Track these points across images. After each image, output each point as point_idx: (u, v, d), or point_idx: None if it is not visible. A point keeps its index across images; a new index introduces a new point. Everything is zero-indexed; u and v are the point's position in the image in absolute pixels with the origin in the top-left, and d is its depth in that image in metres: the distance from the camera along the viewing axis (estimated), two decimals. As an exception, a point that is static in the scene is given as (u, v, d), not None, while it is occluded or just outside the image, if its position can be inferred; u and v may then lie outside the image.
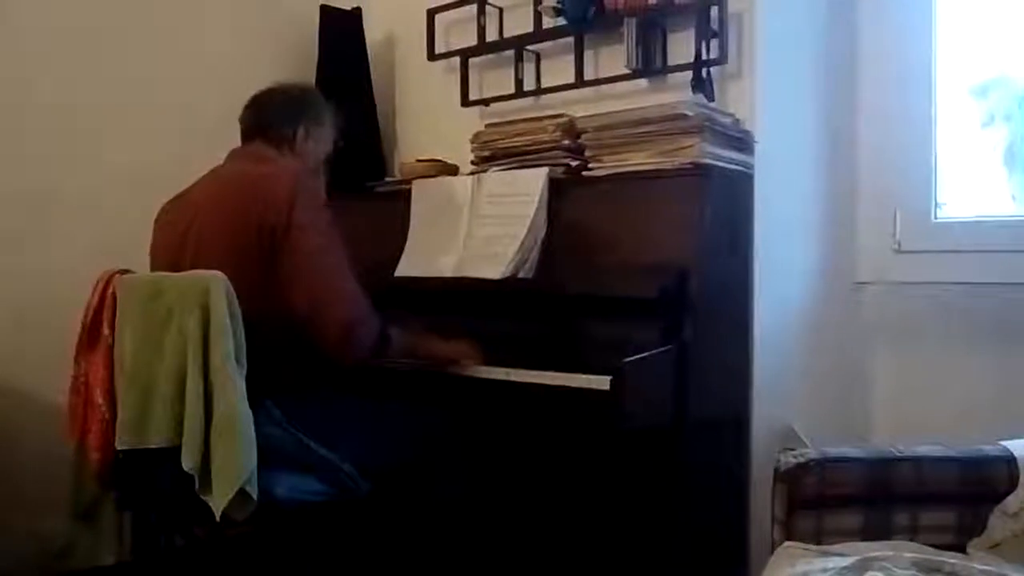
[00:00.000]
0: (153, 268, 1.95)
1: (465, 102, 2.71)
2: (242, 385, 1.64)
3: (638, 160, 2.09)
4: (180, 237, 1.87)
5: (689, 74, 2.20)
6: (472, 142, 2.44)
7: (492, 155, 2.39)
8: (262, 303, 1.73)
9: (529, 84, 2.60)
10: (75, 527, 1.90)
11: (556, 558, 2.12)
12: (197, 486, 1.62)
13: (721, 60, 2.19)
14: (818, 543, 1.56)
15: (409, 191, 2.46)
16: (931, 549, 1.51)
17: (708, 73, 2.19)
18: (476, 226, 2.27)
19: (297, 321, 1.78)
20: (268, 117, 2.01)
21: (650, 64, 2.32)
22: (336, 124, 2.11)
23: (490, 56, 2.69)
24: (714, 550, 2.08)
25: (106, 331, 1.79)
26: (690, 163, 2.01)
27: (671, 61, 2.31)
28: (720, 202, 2.04)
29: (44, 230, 2.36)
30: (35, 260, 2.33)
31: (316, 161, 2.07)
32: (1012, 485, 1.58)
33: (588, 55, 2.47)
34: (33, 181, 2.36)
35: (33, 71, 2.37)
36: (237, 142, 2.02)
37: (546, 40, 2.54)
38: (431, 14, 2.75)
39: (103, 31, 2.49)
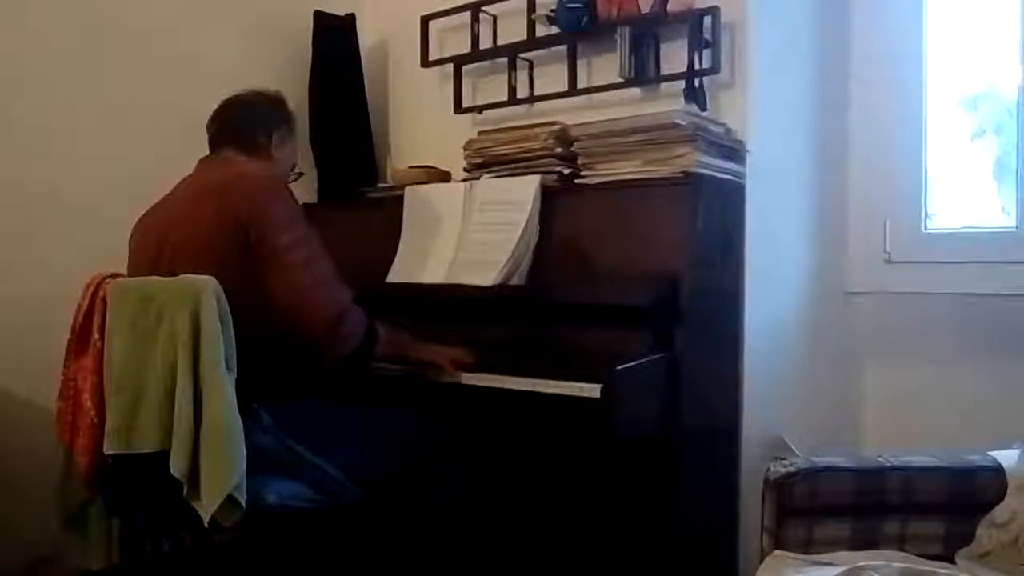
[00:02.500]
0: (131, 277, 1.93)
1: (458, 109, 2.72)
2: (232, 391, 1.63)
3: (630, 168, 2.10)
4: (155, 248, 1.86)
5: (682, 83, 2.21)
6: (465, 149, 2.44)
7: (485, 162, 2.39)
8: (246, 308, 1.72)
9: (522, 92, 2.60)
10: (62, 532, 1.88)
11: (547, 566, 2.12)
12: (185, 492, 1.61)
13: (714, 70, 2.20)
14: (807, 552, 1.56)
15: (401, 197, 2.46)
16: (920, 559, 1.52)
17: (701, 83, 2.20)
18: (468, 233, 2.27)
19: (281, 320, 1.78)
20: (241, 124, 2.00)
21: (643, 73, 2.33)
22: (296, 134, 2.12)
23: (483, 63, 2.69)
24: (704, 559, 2.08)
25: (96, 335, 1.78)
26: (682, 172, 2.02)
27: (664, 70, 2.32)
28: (712, 211, 2.04)
29: (41, 232, 2.35)
30: (31, 262, 2.32)
31: (286, 168, 2.08)
32: (1000, 495, 1.58)
33: (581, 63, 2.47)
34: (29, 183, 2.34)
35: (30, 72, 2.37)
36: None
37: (539, 48, 2.55)
38: (425, 21, 2.76)
39: (98, 34, 2.48)
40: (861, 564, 1.44)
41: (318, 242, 1.85)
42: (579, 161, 2.20)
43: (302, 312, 1.78)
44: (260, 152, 1.99)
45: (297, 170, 2.16)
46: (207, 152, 2.01)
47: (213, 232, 1.78)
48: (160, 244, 1.86)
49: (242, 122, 2.00)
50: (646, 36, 2.32)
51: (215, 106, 2.04)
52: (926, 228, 2.42)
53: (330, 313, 1.80)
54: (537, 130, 2.29)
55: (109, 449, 1.70)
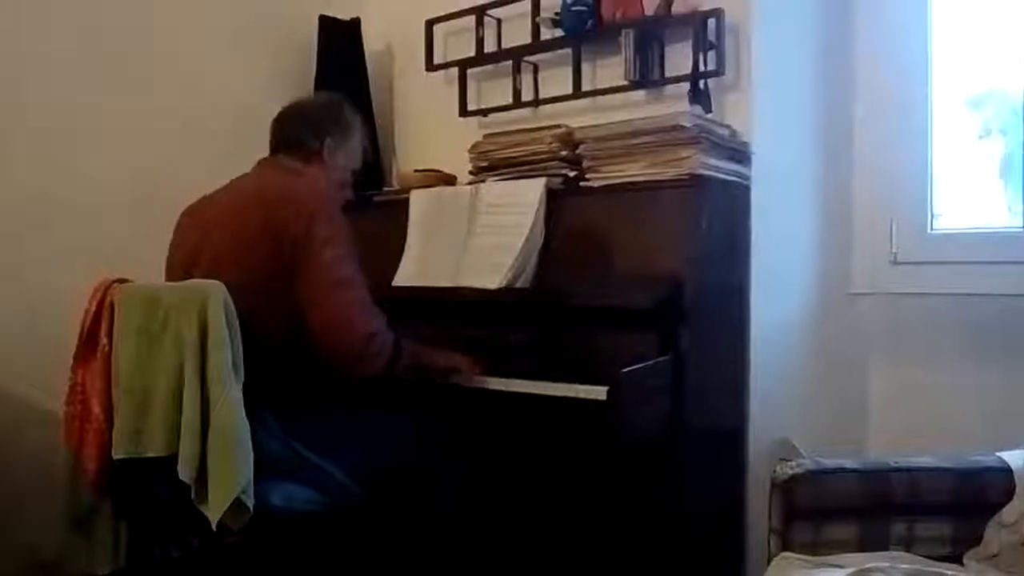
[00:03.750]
0: (168, 272, 1.95)
1: (463, 112, 2.72)
2: (239, 395, 1.64)
3: (635, 171, 2.10)
4: (196, 244, 1.88)
5: (686, 86, 2.21)
6: (470, 152, 2.44)
7: (490, 165, 2.39)
8: (275, 315, 1.75)
9: (527, 95, 2.60)
10: (70, 536, 1.89)
11: (552, 568, 2.11)
12: (193, 495, 1.62)
13: (718, 72, 2.20)
14: (814, 554, 1.56)
15: (407, 201, 2.46)
16: (927, 560, 1.52)
17: (705, 85, 2.20)
18: (474, 236, 2.27)
19: (310, 333, 1.78)
20: (293, 130, 2.01)
21: (647, 75, 2.33)
22: (363, 136, 2.12)
23: (488, 67, 2.69)
24: (711, 561, 2.07)
25: (103, 340, 1.78)
26: (687, 174, 2.02)
27: (668, 72, 2.32)
28: (717, 213, 2.04)
29: (42, 237, 2.36)
30: (34, 267, 2.33)
31: (344, 173, 2.06)
32: (1008, 496, 1.58)
33: (586, 66, 2.47)
34: (31, 188, 2.35)
35: (32, 76, 2.38)
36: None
37: (544, 51, 2.55)
38: (429, 25, 2.76)
39: (101, 40, 2.49)
40: (868, 566, 1.43)
41: (356, 260, 1.85)
42: (584, 164, 2.20)
43: (337, 329, 1.78)
44: (313, 158, 1.99)
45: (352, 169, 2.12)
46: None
47: (256, 243, 1.78)
48: (202, 240, 1.87)
49: (296, 128, 2.01)
50: (650, 38, 2.33)
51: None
52: (932, 228, 2.42)
53: (365, 332, 1.80)
54: (542, 133, 2.29)
55: (117, 453, 1.71)
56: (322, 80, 2.80)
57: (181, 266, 1.90)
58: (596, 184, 2.17)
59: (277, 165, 1.98)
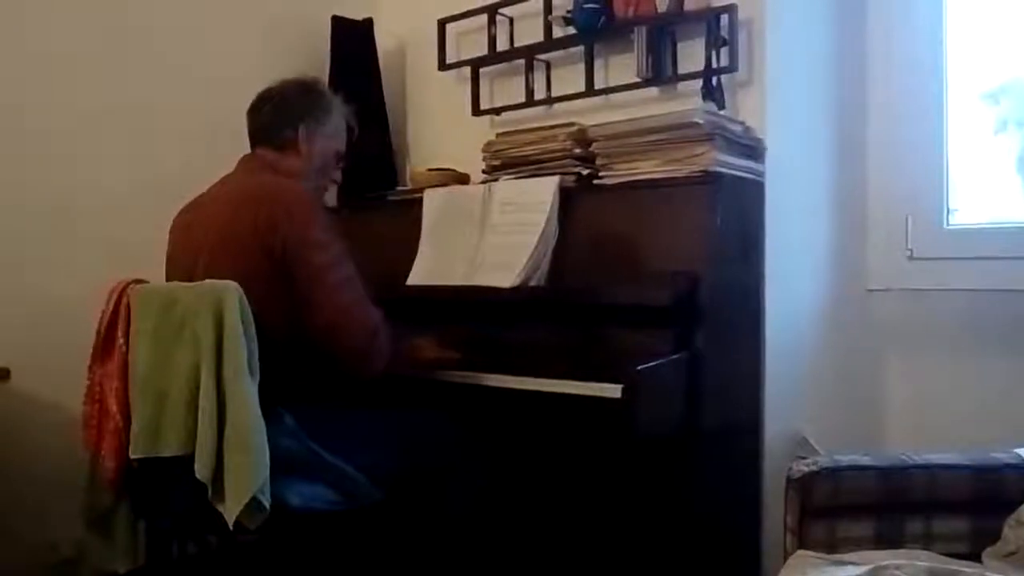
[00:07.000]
0: (169, 278, 1.95)
1: (476, 111, 2.72)
2: (255, 394, 1.65)
3: (649, 168, 2.09)
4: (193, 249, 1.89)
5: (699, 82, 2.20)
6: (483, 151, 2.44)
7: (503, 164, 2.40)
8: (275, 314, 1.75)
9: (540, 93, 2.60)
10: (88, 535, 1.90)
11: (568, 566, 2.12)
12: (210, 495, 1.63)
13: (731, 68, 2.19)
14: (831, 551, 1.55)
15: (420, 200, 2.47)
16: (945, 558, 1.51)
17: (718, 81, 2.19)
18: (487, 234, 2.28)
19: (319, 338, 1.80)
20: (266, 121, 2.00)
21: (660, 73, 2.33)
22: (346, 115, 2.09)
23: (501, 65, 2.69)
24: (727, 559, 2.07)
25: (120, 340, 1.80)
26: (701, 171, 2.01)
27: (681, 69, 2.31)
28: (731, 210, 2.04)
29: (56, 238, 2.38)
30: (48, 268, 2.35)
31: (324, 157, 2.04)
32: (1027, 493, 1.57)
33: (598, 64, 2.47)
34: (44, 190, 2.37)
35: (53, 74, 2.39)
36: (248, 151, 2.04)
37: (556, 49, 2.55)
38: (442, 24, 2.77)
39: (115, 38, 2.51)
40: (885, 563, 1.42)
41: (350, 259, 1.86)
42: (597, 162, 2.20)
43: (343, 330, 1.80)
44: (288, 147, 1.98)
45: (340, 166, 2.11)
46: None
47: (244, 242, 1.79)
48: (199, 245, 1.88)
49: (270, 119, 2.00)
50: (663, 35, 2.32)
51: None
52: (948, 224, 2.40)
53: (369, 329, 1.82)
54: (555, 131, 2.29)
55: (135, 453, 1.72)
56: (335, 80, 2.81)
57: (180, 271, 1.90)
58: (610, 182, 2.17)
59: (258, 162, 1.98)
